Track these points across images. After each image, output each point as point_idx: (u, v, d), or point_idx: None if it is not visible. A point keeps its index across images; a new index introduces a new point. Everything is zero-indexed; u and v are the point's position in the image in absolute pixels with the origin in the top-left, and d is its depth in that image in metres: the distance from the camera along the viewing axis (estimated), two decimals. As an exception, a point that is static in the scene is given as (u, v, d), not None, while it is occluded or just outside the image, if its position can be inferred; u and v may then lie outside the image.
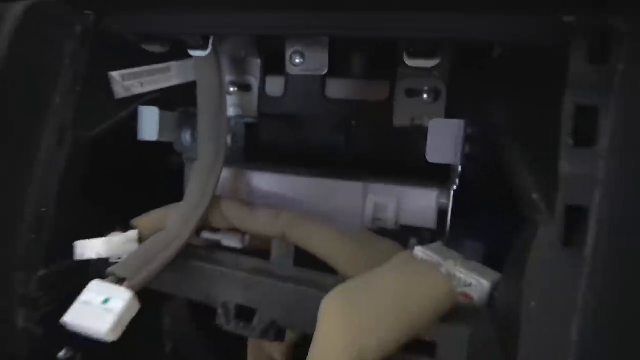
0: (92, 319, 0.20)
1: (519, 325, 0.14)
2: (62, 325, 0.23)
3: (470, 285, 0.19)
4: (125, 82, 0.26)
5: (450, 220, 0.25)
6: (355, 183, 0.28)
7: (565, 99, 0.14)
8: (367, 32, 0.19)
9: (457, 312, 0.18)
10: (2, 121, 0.21)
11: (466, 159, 0.25)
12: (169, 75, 0.28)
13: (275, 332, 0.22)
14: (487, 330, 0.17)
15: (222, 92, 0.28)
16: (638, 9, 0.13)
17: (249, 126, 0.35)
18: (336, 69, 0.29)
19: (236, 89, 0.32)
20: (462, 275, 0.19)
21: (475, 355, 0.17)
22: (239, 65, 0.32)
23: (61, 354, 0.27)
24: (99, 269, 0.24)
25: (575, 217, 0.14)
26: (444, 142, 0.22)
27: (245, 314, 0.22)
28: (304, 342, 0.18)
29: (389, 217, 0.27)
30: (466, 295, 0.19)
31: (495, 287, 0.19)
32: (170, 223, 0.25)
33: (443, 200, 0.26)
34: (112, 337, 0.20)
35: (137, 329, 0.22)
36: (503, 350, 0.16)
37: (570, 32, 0.15)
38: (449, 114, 0.26)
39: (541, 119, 0.16)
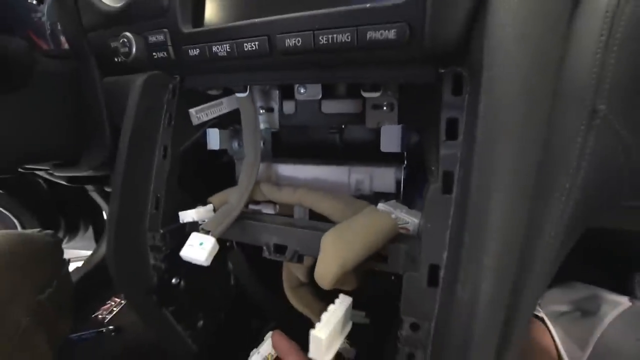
0: (195, 253, 0.28)
1: (421, 238, 0.22)
2: (174, 262, 0.32)
3: (407, 223, 0.26)
4: (198, 114, 0.34)
5: (403, 186, 0.33)
6: (344, 167, 0.35)
7: (442, 114, 0.21)
8: (335, 79, 0.26)
9: (399, 237, 0.26)
10: (137, 145, 0.30)
11: (410, 147, 0.32)
12: (221, 107, 0.36)
13: (298, 257, 0.30)
14: (416, 246, 0.25)
15: (256, 115, 0.34)
16: (470, 65, 0.20)
17: (274, 134, 0.42)
18: (327, 94, 0.36)
19: (264, 110, 0.39)
20: (403, 217, 0.27)
21: (407, 260, 0.24)
22: (265, 95, 0.39)
23: (173, 280, 0.37)
24: (192, 227, 0.33)
25: (448, 177, 0.21)
26: (390, 139, 0.29)
27: (279, 249, 0.30)
28: (314, 264, 0.26)
29: (366, 187, 0.34)
30: (406, 229, 0.27)
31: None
32: (231, 199, 0.33)
33: (398, 174, 0.33)
34: (206, 263, 0.29)
35: (214, 270, 0.31)
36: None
37: (443, 77, 0.21)
38: (400, 118, 0.33)
39: (436, 122, 0.23)
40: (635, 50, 0.17)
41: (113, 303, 0.88)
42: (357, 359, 0.36)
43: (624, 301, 0.54)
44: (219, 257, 0.30)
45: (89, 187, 0.90)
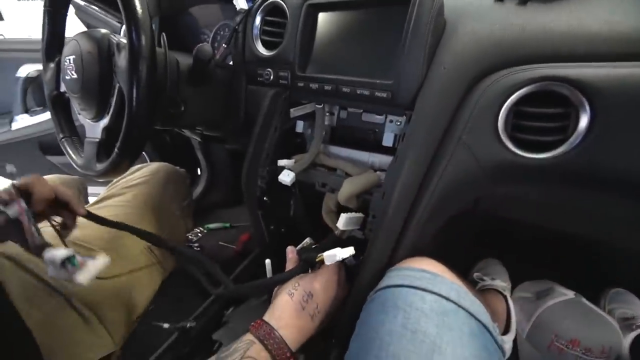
0: (284, 178, 0.65)
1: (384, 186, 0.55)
2: (267, 187, 0.70)
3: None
4: (294, 112, 0.70)
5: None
6: (366, 152, 0.69)
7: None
8: (363, 108, 0.60)
9: (380, 184, 0.59)
10: (263, 124, 0.68)
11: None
12: (306, 109, 0.72)
13: (332, 190, 0.64)
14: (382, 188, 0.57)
15: (324, 117, 0.69)
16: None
17: (332, 128, 0.77)
18: (366, 110, 0.70)
19: (328, 114, 0.73)
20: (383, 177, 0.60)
21: (379, 191, 0.57)
22: (331, 105, 0.74)
23: (264, 197, 0.74)
24: (281, 169, 0.70)
25: (397, 158, 0.53)
26: (388, 140, 0.62)
27: (324, 185, 0.66)
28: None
29: (376, 164, 0.67)
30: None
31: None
32: (304, 158, 0.69)
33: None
34: (289, 184, 0.65)
35: (284, 200, 0.67)
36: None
37: (405, 119, 0.54)
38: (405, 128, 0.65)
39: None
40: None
41: (198, 230, 1.34)
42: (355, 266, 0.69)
43: (569, 294, 0.78)
44: (288, 194, 0.66)
45: (196, 146, 1.37)
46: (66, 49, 0.64)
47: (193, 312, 0.66)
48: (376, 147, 0.68)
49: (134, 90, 0.54)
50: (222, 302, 0.64)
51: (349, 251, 0.47)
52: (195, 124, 0.81)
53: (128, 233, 0.78)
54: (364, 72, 0.56)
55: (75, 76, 0.62)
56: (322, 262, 0.48)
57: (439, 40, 0.52)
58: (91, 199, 1.17)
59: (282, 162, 0.69)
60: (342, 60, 0.60)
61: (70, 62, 0.62)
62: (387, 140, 0.63)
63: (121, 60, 0.58)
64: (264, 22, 0.71)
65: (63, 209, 0.54)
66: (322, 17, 0.62)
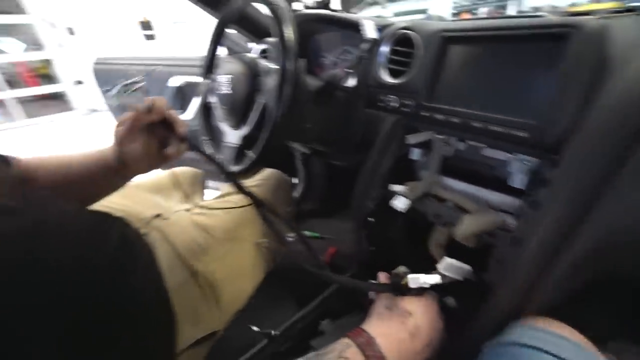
0: (398, 204, 0.66)
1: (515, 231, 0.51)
2: (375, 209, 0.71)
3: (512, 223, 0.55)
4: (410, 139, 0.71)
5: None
6: (482, 188, 0.65)
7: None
8: (492, 146, 0.58)
9: (502, 225, 0.55)
10: (381, 150, 0.70)
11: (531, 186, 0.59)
12: (421, 137, 0.72)
13: (445, 224, 0.63)
14: (511, 232, 0.53)
15: (440, 147, 0.69)
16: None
17: (446, 158, 0.75)
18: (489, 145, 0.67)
19: (444, 143, 0.74)
20: (507, 219, 0.56)
21: (504, 235, 0.53)
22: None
23: (369, 218, 0.76)
24: (392, 194, 0.71)
25: (533, 205, 0.49)
26: (517, 179, 0.58)
27: (438, 217, 0.64)
28: (449, 235, 0.58)
29: (494, 204, 0.63)
30: (508, 228, 0.55)
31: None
32: (418, 186, 0.69)
33: (517, 202, 0.60)
34: (404, 211, 0.66)
35: (383, 226, 0.68)
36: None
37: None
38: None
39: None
40: None
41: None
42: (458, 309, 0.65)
43: None
44: (392, 219, 0.67)
45: (297, 157, 1.47)
46: (224, 69, 0.77)
47: (284, 315, 0.71)
48: (493, 183, 0.65)
49: (280, 108, 0.62)
50: (318, 312, 0.68)
51: (435, 278, 0.47)
52: (313, 140, 0.88)
53: (246, 227, 0.87)
54: (497, 107, 0.54)
55: (229, 92, 0.74)
56: (406, 286, 0.49)
57: (601, 79, 0.47)
58: (207, 191, 1.36)
59: (394, 187, 0.70)
60: (473, 93, 0.59)
61: (227, 80, 0.75)
62: (517, 182, 0.59)
63: (269, 81, 0.68)
64: (391, 51, 0.75)
65: (170, 131, 0.63)
66: (453, 47, 0.63)
